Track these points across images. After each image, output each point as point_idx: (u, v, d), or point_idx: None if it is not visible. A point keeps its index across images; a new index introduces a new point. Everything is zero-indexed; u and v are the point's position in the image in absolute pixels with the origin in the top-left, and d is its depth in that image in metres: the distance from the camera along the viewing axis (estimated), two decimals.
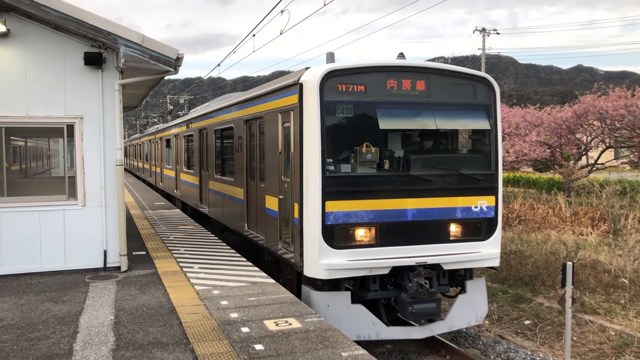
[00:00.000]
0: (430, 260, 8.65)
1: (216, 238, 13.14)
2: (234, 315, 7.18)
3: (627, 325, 10.17)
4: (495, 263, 9.20)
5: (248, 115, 11.46)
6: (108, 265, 9.82)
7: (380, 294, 8.77)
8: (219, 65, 28.34)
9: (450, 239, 8.90)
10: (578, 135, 25.90)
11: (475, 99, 9.24)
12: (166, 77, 10.67)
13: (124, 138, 39.35)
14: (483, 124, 9.25)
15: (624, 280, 11.88)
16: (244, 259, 10.73)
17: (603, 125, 24.42)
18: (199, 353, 5.89)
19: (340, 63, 8.67)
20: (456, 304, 9.10)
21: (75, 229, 9.69)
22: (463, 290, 9.29)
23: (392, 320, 8.95)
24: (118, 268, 9.77)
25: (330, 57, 9.15)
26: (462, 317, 9.12)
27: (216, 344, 6.15)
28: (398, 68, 8.79)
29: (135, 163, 43.35)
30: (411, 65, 8.95)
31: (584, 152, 27.08)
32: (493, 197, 9.14)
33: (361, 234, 8.46)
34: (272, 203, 9.93)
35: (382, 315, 8.79)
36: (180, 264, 10.20)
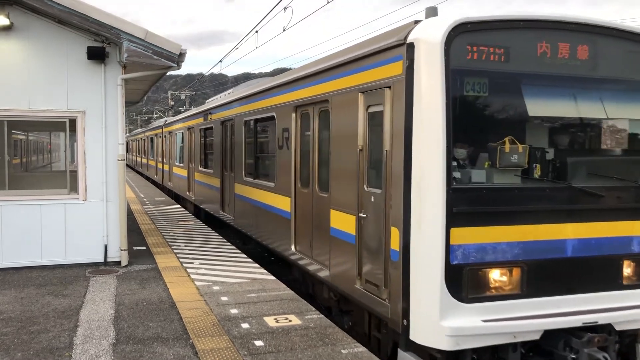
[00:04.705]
0: (603, 319, 5.81)
1: (216, 234, 13.14)
2: (234, 311, 7.19)
3: None
4: None
5: (301, 99, 8.71)
6: (108, 259, 9.84)
7: None
8: (220, 61, 28.36)
9: (624, 284, 6.16)
10: None
11: None
12: (168, 73, 10.67)
13: (126, 133, 38.54)
14: None
15: None
16: (244, 255, 10.74)
17: None
18: (199, 348, 5.90)
19: (469, 14, 5.78)
20: None
21: (76, 223, 9.71)
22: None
23: None
24: (118, 263, 9.78)
25: (432, 12, 6.11)
26: None
27: (216, 339, 6.16)
28: (555, 24, 5.95)
29: (139, 159, 41.50)
30: (573, 20, 6.00)
31: None
32: None
33: (501, 278, 5.75)
34: (343, 222, 7.30)
35: None
36: (181, 260, 10.22)
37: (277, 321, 6.79)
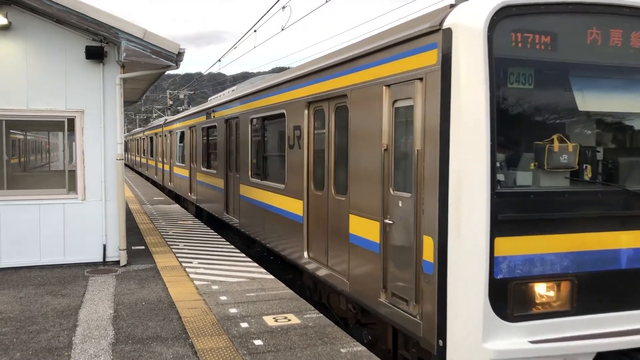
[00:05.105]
0: None
1: (215, 233, 13.14)
2: (233, 310, 7.19)
3: None
4: None
5: (315, 94, 8.15)
6: (107, 259, 9.84)
7: None
8: (219, 60, 28.42)
9: None
10: None
11: None
12: (167, 72, 10.66)
13: (125, 132, 37.71)
14: None
15: None
16: (242, 254, 10.74)
17: None
18: (199, 348, 5.90)
19: None
20: None
21: (74, 223, 9.70)
22: None
23: None
24: (117, 262, 9.78)
25: None
26: None
27: (215, 339, 6.16)
28: (606, 8, 5.33)
29: (138, 159, 40.94)
30: (627, 4, 5.37)
31: None
32: None
33: (550, 293, 5.19)
34: (364, 228, 6.71)
35: None
36: (180, 259, 10.22)
37: (276, 320, 6.80)
